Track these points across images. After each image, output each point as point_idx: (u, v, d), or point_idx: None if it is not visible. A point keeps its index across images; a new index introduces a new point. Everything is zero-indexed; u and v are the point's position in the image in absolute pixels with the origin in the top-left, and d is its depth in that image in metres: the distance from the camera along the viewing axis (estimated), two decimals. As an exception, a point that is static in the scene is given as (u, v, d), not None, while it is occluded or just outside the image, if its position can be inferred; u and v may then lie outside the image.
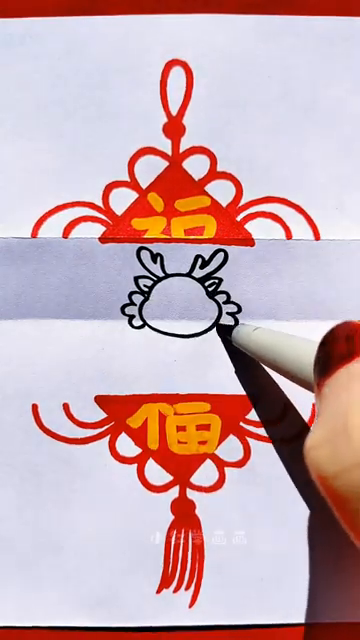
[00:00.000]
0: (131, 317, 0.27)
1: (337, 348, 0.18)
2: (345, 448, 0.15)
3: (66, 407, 0.27)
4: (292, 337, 0.23)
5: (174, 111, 0.26)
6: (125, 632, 0.27)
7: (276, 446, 0.27)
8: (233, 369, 0.27)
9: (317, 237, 0.27)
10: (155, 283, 0.27)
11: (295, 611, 0.27)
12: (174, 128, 0.26)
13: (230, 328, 0.27)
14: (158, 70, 0.26)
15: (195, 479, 0.27)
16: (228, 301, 0.27)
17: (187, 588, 0.27)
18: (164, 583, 0.27)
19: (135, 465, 0.27)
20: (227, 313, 0.27)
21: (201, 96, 0.26)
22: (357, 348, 0.17)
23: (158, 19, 0.26)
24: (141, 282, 0.27)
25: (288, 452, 0.27)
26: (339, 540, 0.27)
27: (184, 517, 0.27)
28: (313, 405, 0.27)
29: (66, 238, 0.27)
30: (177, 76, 0.26)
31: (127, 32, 0.26)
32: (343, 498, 0.15)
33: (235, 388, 0.27)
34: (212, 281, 0.27)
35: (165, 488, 0.27)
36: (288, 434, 0.27)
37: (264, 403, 0.27)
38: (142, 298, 0.27)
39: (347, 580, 0.27)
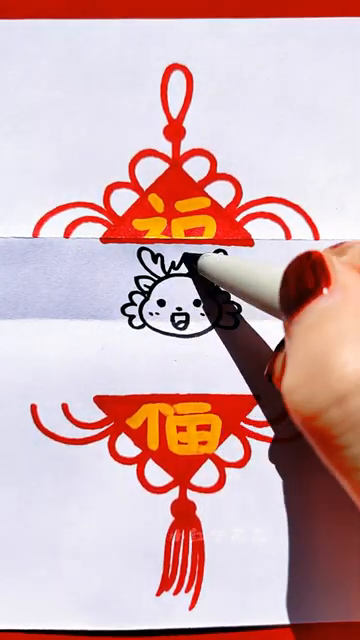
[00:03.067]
0: (131, 317, 0.27)
1: (301, 283, 0.17)
2: (322, 389, 0.15)
3: (65, 407, 0.27)
4: (257, 265, 0.22)
5: (174, 114, 0.27)
6: (125, 636, 0.27)
7: (276, 446, 0.27)
8: (233, 369, 0.27)
9: (317, 237, 0.27)
10: (155, 283, 0.27)
11: (295, 612, 0.26)
12: (174, 130, 0.27)
13: (196, 257, 0.27)
14: (159, 74, 0.26)
15: (195, 480, 0.27)
16: (228, 301, 0.27)
17: (187, 590, 0.27)
18: (164, 585, 0.27)
19: (135, 466, 0.27)
20: (227, 313, 0.27)
21: (201, 99, 0.26)
22: (322, 280, 0.17)
23: (158, 23, 0.26)
24: (141, 282, 0.27)
25: (288, 452, 0.27)
26: (339, 540, 0.27)
27: (184, 518, 0.27)
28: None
29: (67, 238, 0.27)
30: (177, 80, 0.26)
31: (128, 36, 0.26)
32: (325, 436, 0.15)
33: (235, 388, 0.27)
34: (212, 281, 0.27)
35: (165, 489, 0.27)
36: (288, 434, 0.27)
37: (264, 403, 0.27)
38: (142, 298, 0.27)
39: (347, 580, 0.27)
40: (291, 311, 0.17)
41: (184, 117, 0.27)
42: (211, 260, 0.26)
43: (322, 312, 0.16)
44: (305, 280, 0.17)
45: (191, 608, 0.27)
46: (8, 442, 0.27)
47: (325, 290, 0.17)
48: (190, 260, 0.27)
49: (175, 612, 0.27)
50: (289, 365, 0.17)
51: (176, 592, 0.27)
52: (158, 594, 0.27)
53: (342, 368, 0.15)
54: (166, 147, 0.27)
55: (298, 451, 0.27)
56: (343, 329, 0.16)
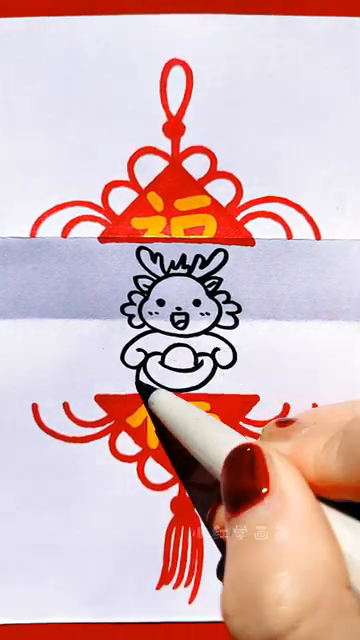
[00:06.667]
0: (131, 317, 0.27)
1: (237, 483, 0.17)
2: (256, 624, 0.15)
3: (66, 406, 0.27)
4: (207, 431, 0.22)
5: (174, 110, 0.26)
6: (125, 625, 0.27)
7: (275, 445, 0.27)
8: (233, 369, 0.27)
9: (318, 237, 0.26)
10: (155, 283, 0.27)
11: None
12: (174, 127, 0.26)
13: (150, 389, 0.27)
14: (158, 69, 0.26)
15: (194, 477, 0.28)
16: (228, 301, 0.27)
17: (187, 584, 0.27)
18: (164, 579, 0.27)
19: (135, 463, 0.28)
20: (227, 313, 0.27)
21: (201, 95, 0.26)
22: (259, 485, 0.16)
23: (158, 18, 0.25)
24: (140, 282, 0.27)
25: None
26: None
27: (183, 515, 0.27)
28: (314, 405, 0.27)
29: (65, 238, 0.27)
30: (177, 75, 0.26)
31: (127, 31, 0.25)
32: None
33: (235, 388, 0.27)
34: (212, 281, 0.27)
35: (165, 486, 0.28)
36: (287, 433, 0.27)
37: (263, 403, 0.27)
38: (142, 298, 0.27)
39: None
40: (228, 509, 0.17)
41: (184, 113, 0.26)
42: (164, 403, 0.26)
43: (257, 525, 0.16)
44: (241, 480, 0.17)
45: (190, 602, 0.27)
46: (10, 441, 0.27)
47: (265, 499, 0.16)
48: (142, 390, 0.27)
49: (175, 605, 0.27)
50: (226, 579, 0.16)
51: (176, 586, 0.27)
52: (158, 588, 0.27)
53: (276, 606, 0.14)
54: (165, 144, 0.26)
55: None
56: (279, 552, 0.15)
